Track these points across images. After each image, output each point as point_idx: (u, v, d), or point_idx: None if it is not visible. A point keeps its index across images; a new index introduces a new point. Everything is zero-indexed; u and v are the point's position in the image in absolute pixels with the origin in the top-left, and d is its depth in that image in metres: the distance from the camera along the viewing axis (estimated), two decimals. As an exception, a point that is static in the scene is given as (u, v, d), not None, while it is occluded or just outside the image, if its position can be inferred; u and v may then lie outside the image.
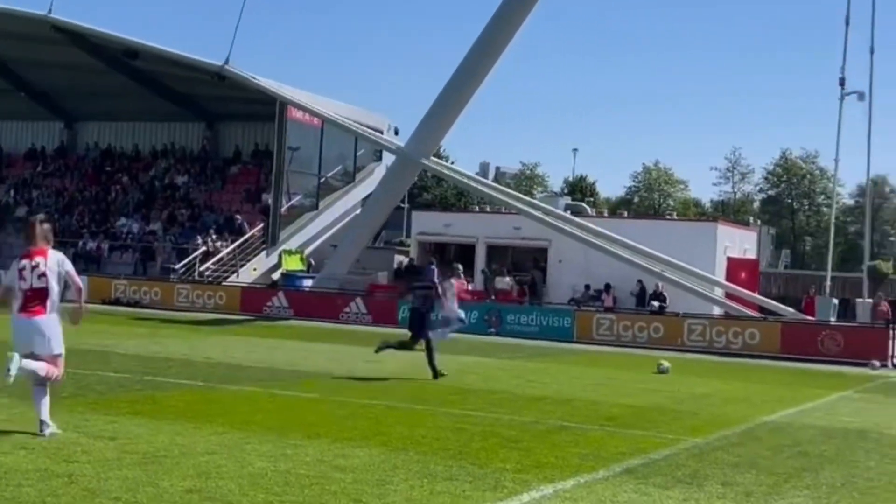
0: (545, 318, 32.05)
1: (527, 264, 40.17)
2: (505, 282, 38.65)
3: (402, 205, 47.66)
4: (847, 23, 34.14)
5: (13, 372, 9.64)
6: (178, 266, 39.87)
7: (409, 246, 46.55)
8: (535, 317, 32.26)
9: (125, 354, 19.00)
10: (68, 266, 10.24)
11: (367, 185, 45.37)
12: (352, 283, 37.86)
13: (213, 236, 41.49)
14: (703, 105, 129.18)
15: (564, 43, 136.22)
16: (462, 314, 22.24)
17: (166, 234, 43.05)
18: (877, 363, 25.99)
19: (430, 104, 35.65)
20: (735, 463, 10.62)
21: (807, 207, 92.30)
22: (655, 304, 34.98)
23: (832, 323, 31.35)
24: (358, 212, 43.62)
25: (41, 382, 9.96)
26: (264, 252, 41.21)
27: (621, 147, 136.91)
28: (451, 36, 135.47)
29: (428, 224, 44.00)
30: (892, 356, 27.10)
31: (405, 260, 42.98)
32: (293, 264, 40.25)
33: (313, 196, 44.46)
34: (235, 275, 39.42)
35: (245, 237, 41.40)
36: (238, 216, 42.88)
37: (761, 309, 33.54)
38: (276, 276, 40.03)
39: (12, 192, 48.50)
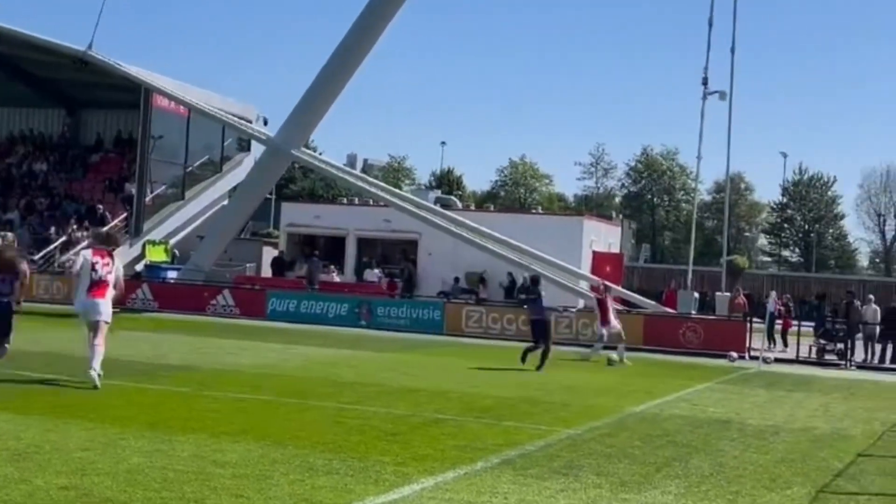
0: (415, 310, 32.15)
1: (397, 256, 40.24)
2: (374, 274, 38.63)
3: (269, 196, 47.13)
4: (710, 24, 35.05)
5: (96, 378, 13.72)
6: (36, 256, 38.62)
7: (277, 237, 46.13)
8: (405, 309, 32.34)
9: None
10: (119, 268, 14.61)
11: (235, 175, 44.77)
12: (218, 274, 37.34)
13: (74, 226, 40.36)
14: (569, 101, 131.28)
15: (432, 36, 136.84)
16: (618, 327, 24.28)
17: (24, 223, 41.66)
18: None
19: (300, 94, 35.47)
20: (608, 453, 10.87)
21: (667, 203, 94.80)
22: (523, 296, 35.34)
23: (693, 316, 32.31)
24: (225, 202, 43.03)
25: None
26: (127, 243, 40.27)
27: (488, 141, 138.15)
28: (322, 26, 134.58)
29: (297, 216, 43.63)
30: (749, 348, 28.03)
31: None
32: (157, 255, 39.45)
33: (179, 186, 43.62)
34: (97, 266, 38.40)
35: (107, 227, 40.34)
36: (100, 206, 41.79)
37: (625, 302, 34.28)
38: (139, 267, 39.20)
39: None
